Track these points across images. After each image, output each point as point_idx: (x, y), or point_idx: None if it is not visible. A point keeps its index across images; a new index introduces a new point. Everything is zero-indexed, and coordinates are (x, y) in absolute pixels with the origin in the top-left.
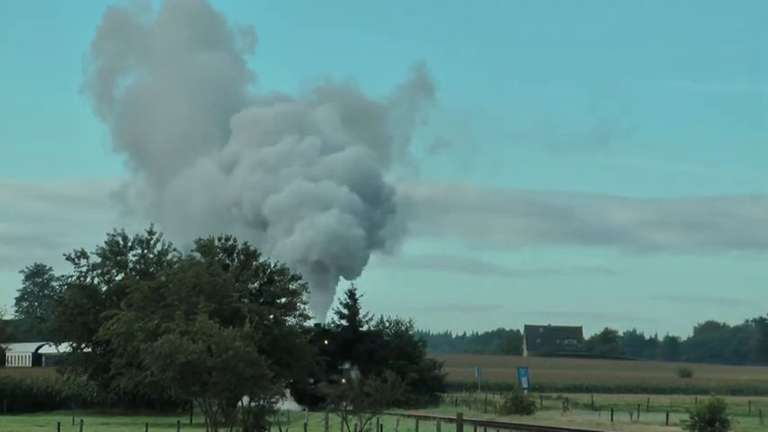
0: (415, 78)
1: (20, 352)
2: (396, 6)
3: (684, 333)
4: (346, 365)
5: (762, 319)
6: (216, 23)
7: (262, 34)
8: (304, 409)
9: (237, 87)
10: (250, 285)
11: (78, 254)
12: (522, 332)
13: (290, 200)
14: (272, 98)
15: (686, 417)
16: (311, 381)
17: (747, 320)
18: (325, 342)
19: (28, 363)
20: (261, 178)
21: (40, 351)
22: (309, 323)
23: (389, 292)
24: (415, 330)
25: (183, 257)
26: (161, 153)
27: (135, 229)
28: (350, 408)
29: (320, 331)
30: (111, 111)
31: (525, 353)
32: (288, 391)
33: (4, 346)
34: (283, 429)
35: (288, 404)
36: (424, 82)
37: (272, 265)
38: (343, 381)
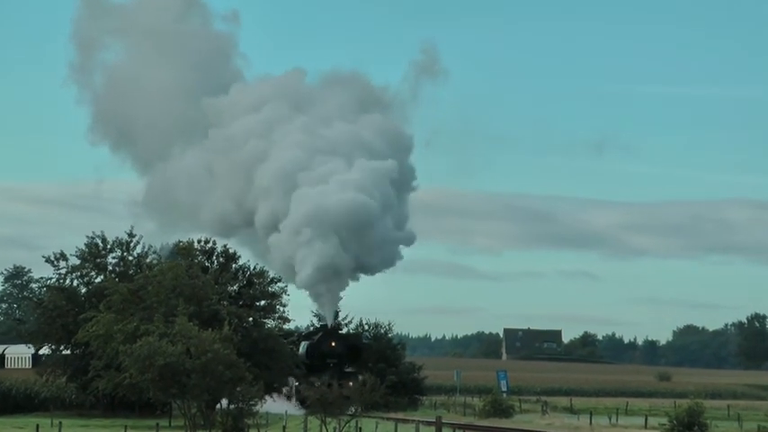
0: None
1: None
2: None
3: (664, 337)
4: (352, 368)
5: (741, 324)
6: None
7: (251, 20)
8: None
9: (228, 67)
10: (229, 288)
11: (57, 256)
12: (501, 335)
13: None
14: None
15: (665, 420)
16: (317, 385)
17: (727, 325)
18: (332, 344)
19: None
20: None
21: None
22: (289, 326)
23: (369, 295)
24: (395, 333)
25: (163, 260)
26: (146, 140)
27: (123, 227)
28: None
29: (328, 333)
30: (93, 97)
31: (504, 356)
32: (290, 393)
33: None
34: (262, 431)
35: (291, 408)
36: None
37: (252, 268)
38: (350, 384)
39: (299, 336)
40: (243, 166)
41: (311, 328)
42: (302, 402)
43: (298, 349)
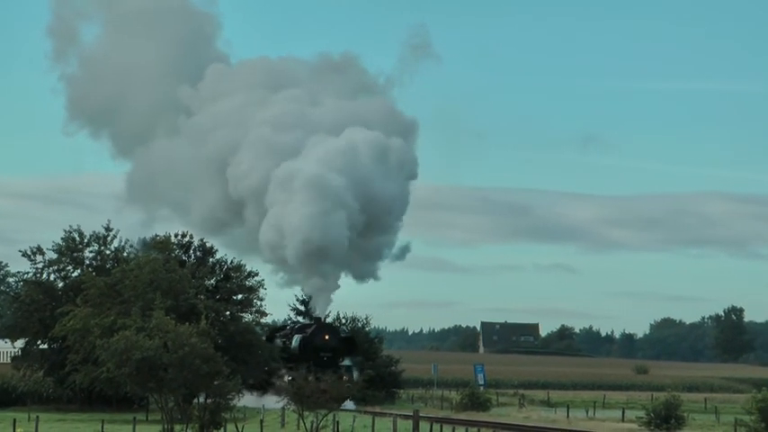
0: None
1: None
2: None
3: (641, 330)
4: (347, 362)
5: (718, 317)
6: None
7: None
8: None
9: (210, 50)
10: (207, 282)
11: (34, 250)
12: (478, 329)
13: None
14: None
15: (642, 413)
16: (311, 379)
17: (704, 317)
18: (326, 337)
19: None
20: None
21: None
22: (267, 319)
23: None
24: (372, 327)
25: (140, 254)
26: (126, 123)
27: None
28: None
29: (322, 326)
30: (70, 81)
31: (481, 350)
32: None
33: None
34: (239, 426)
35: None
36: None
37: (229, 262)
38: (345, 378)
39: (271, 330)
40: (221, 155)
41: (288, 322)
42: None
43: (290, 343)
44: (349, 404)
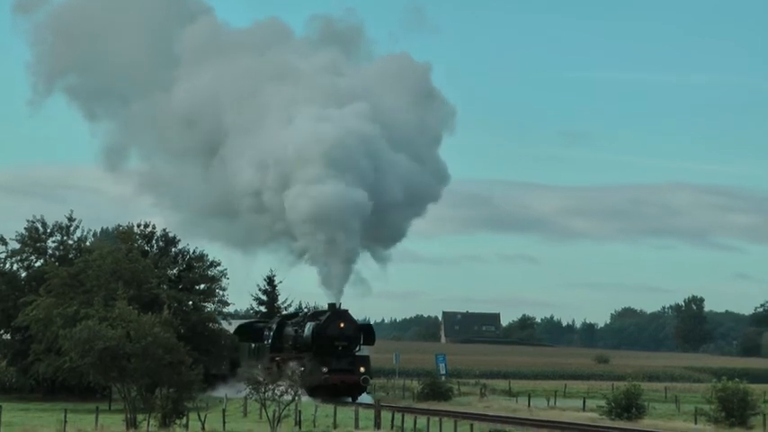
0: None
1: None
2: None
3: (602, 320)
4: (363, 351)
5: (678, 306)
6: None
7: None
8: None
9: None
10: (169, 271)
11: None
12: (440, 319)
13: None
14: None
15: (603, 403)
16: (324, 370)
17: (664, 307)
18: (341, 325)
19: None
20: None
21: None
22: (229, 309)
23: (308, 279)
24: None
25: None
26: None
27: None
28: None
29: (336, 313)
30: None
31: (443, 339)
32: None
33: None
34: (202, 415)
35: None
36: None
37: (191, 252)
38: (362, 369)
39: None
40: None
41: (251, 312)
42: (308, 389)
43: (302, 331)
44: (366, 397)
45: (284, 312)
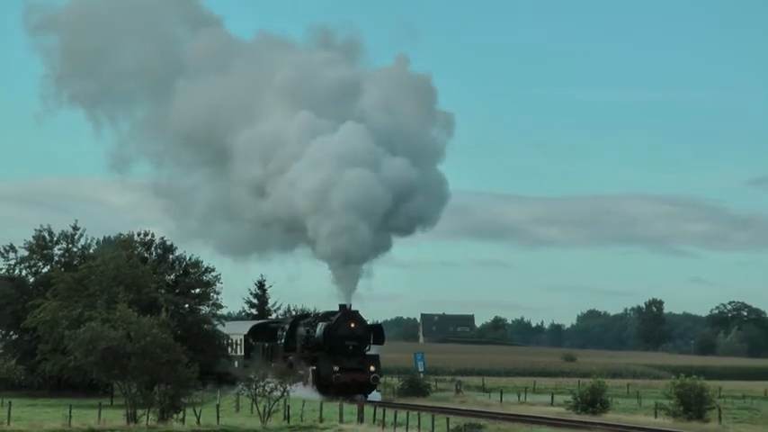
0: None
1: None
2: None
3: (568, 321)
4: (373, 351)
5: (639, 308)
6: None
7: None
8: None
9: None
10: (167, 277)
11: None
12: (418, 320)
13: None
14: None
15: (570, 398)
16: (335, 369)
17: (626, 309)
18: (352, 325)
19: None
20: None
21: None
22: (222, 311)
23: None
24: None
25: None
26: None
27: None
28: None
29: (347, 313)
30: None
31: (421, 339)
32: (310, 380)
33: None
34: (197, 410)
35: (309, 393)
36: None
37: (188, 258)
38: (372, 368)
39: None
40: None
41: (243, 314)
42: (320, 387)
43: (313, 331)
44: (375, 395)
45: (271, 314)
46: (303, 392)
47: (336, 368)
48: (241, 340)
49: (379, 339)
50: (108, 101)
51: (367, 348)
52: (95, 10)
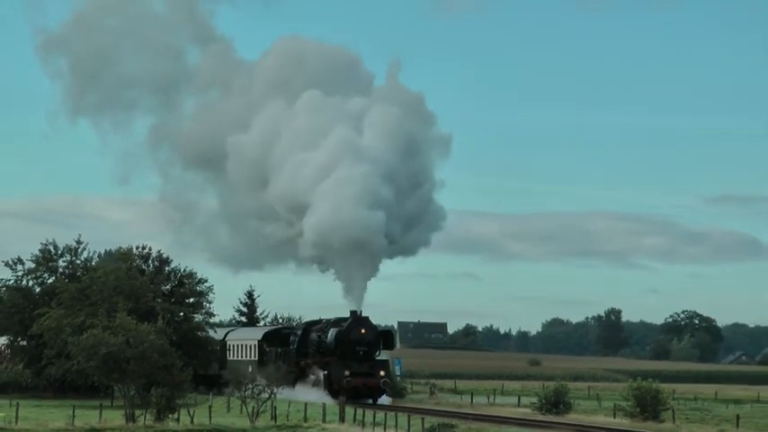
0: None
1: None
2: None
3: (534, 328)
4: (383, 356)
5: (600, 317)
6: None
7: None
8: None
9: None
10: (163, 287)
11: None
12: (395, 327)
13: None
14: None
15: (535, 400)
16: (347, 373)
17: (587, 317)
18: (363, 331)
19: None
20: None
21: None
22: (214, 319)
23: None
24: None
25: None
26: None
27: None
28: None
29: (357, 319)
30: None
31: (398, 345)
32: (321, 384)
33: None
34: (191, 411)
35: (323, 397)
36: None
37: (182, 270)
38: (381, 373)
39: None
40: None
41: (234, 322)
42: (331, 391)
43: (325, 337)
44: (385, 399)
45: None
46: (315, 396)
47: (347, 373)
48: (255, 346)
49: (389, 345)
50: (115, 111)
51: (377, 353)
52: (98, 23)
